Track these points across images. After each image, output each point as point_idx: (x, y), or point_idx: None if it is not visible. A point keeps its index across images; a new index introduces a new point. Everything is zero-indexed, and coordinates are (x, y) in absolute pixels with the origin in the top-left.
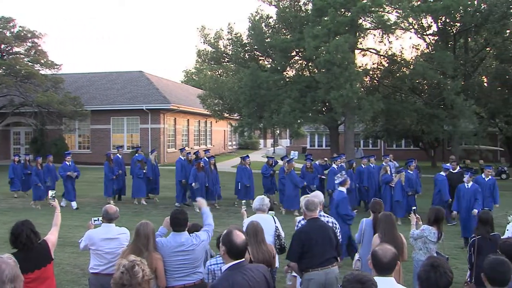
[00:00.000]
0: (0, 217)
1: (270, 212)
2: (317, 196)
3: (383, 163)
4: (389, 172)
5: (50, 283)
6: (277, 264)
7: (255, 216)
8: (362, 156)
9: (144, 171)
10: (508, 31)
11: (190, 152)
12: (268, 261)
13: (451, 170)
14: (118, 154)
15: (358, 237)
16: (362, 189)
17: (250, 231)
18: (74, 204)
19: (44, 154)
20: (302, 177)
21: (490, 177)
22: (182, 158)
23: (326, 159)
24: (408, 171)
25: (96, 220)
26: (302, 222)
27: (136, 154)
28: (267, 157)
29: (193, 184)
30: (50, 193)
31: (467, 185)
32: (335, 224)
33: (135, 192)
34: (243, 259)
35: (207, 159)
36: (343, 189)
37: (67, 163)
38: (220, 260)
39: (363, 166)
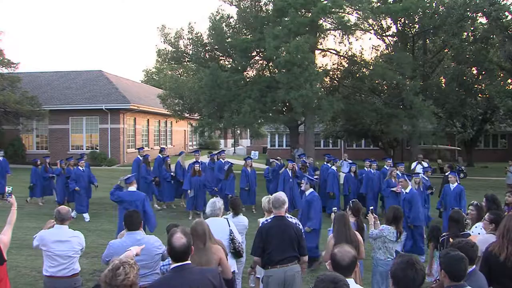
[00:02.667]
0: None
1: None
2: (283, 195)
3: (385, 166)
4: (394, 179)
5: (4, 286)
6: (233, 268)
7: (209, 220)
8: (300, 155)
9: (172, 173)
10: (465, 33)
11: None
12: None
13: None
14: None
15: None
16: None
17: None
18: (86, 215)
19: None
20: (297, 177)
21: (456, 184)
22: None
23: (311, 158)
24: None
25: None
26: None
27: (160, 155)
28: (270, 159)
29: (189, 191)
30: (7, 189)
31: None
32: (299, 225)
33: (166, 196)
34: (187, 262)
35: (223, 162)
36: (133, 188)
37: (81, 168)
38: None
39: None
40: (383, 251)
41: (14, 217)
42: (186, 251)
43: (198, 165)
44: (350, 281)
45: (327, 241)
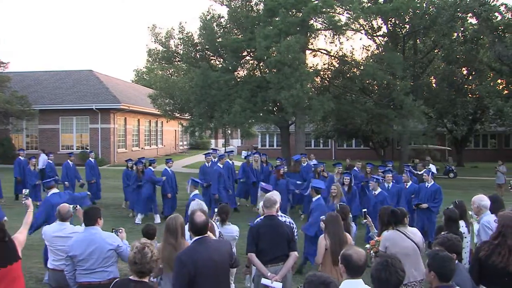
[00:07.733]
0: None
1: None
2: (275, 195)
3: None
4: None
5: (19, 284)
6: None
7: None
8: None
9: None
10: (455, 33)
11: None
12: None
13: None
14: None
15: None
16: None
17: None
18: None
19: None
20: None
21: (433, 182)
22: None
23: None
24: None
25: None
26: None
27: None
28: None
29: None
30: (24, 191)
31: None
32: (292, 223)
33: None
34: (206, 235)
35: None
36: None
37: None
38: None
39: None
40: None
41: (30, 219)
42: (206, 226)
43: (282, 169)
44: (360, 281)
45: (318, 242)
